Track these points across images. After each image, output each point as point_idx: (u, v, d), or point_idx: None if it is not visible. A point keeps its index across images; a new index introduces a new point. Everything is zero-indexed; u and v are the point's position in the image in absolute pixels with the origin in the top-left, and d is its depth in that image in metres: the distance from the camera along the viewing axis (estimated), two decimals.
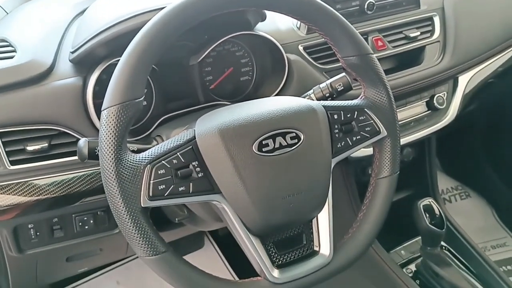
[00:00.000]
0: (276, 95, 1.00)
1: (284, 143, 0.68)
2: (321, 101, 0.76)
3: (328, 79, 0.96)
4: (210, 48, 0.97)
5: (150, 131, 0.91)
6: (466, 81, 1.23)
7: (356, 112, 0.77)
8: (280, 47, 0.99)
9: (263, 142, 0.67)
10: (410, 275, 1.23)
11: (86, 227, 0.96)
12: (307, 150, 0.70)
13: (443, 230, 1.04)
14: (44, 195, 0.85)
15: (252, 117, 0.68)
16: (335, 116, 0.75)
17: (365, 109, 0.78)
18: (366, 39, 1.10)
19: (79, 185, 0.86)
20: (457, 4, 1.22)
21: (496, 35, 1.28)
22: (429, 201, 1.07)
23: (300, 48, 1.03)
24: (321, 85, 0.88)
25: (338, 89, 0.87)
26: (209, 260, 1.65)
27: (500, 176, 1.87)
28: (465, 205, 1.91)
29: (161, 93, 0.98)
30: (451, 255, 1.27)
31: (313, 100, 0.88)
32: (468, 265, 1.26)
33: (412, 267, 1.25)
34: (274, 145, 0.67)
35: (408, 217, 1.12)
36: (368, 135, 0.77)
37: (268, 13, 1.06)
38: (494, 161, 1.88)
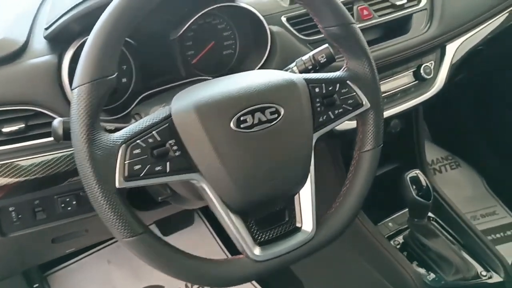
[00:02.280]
0: (259, 68, 0.98)
1: (263, 119, 0.66)
2: (303, 74, 0.74)
3: (312, 50, 0.94)
4: (190, 22, 0.94)
5: (129, 109, 0.89)
6: (454, 50, 1.20)
7: (338, 85, 0.75)
8: (262, 18, 0.96)
9: (241, 118, 0.65)
10: (398, 247, 1.24)
11: (69, 208, 0.94)
12: (288, 125, 0.68)
13: (430, 201, 1.04)
14: (23, 177, 0.83)
15: (229, 93, 0.66)
16: (317, 90, 0.73)
17: (348, 81, 0.76)
18: (351, 8, 1.07)
19: (58, 166, 0.84)
20: None
21: (484, 2, 1.25)
22: (415, 173, 1.06)
23: (283, 19, 1.00)
24: (304, 58, 0.86)
25: (321, 61, 0.85)
26: (200, 237, 1.65)
27: (490, 145, 1.87)
28: (455, 175, 1.92)
29: (141, 70, 0.95)
30: (438, 225, 1.27)
31: (295, 73, 0.86)
32: (456, 235, 1.26)
33: (400, 239, 1.25)
34: (253, 120, 0.66)
35: (396, 189, 1.12)
36: (351, 108, 0.76)
37: None
38: (484, 130, 1.87)
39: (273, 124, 0.67)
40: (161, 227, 1.55)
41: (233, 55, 1.04)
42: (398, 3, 1.11)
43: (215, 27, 1.01)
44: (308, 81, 0.73)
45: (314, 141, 0.73)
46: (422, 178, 1.06)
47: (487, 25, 1.30)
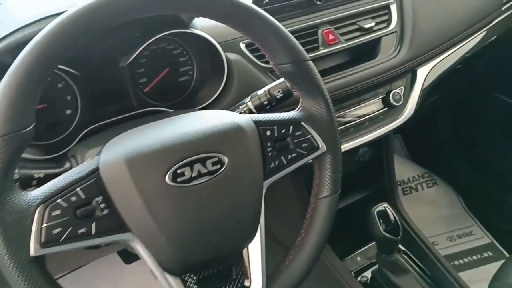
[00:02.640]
0: (215, 99, 0.91)
1: (203, 171, 0.60)
2: (253, 115, 0.68)
3: (273, 79, 0.88)
4: (142, 48, 0.87)
5: (68, 148, 0.81)
6: (425, 74, 1.15)
7: (291, 127, 0.69)
8: (218, 46, 0.89)
9: (178, 171, 0.58)
10: (367, 282, 1.18)
11: None
12: (233, 175, 0.62)
13: (399, 237, 0.98)
14: None
15: (164, 142, 0.59)
16: (268, 133, 0.67)
17: (302, 123, 0.69)
18: (316, 33, 1.01)
19: None
20: None
21: (458, 23, 1.20)
22: (384, 207, 1.00)
23: (242, 45, 0.94)
24: (259, 92, 0.80)
25: (277, 96, 0.79)
26: None
27: (468, 162, 1.83)
28: (431, 193, 1.87)
29: (88, 100, 0.88)
30: (409, 259, 1.22)
31: (250, 109, 0.80)
32: (426, 269, 1.21)
33: (368, 274, 1.20)
34: (192, 173, 0.59)
35: (366, 220, 1.06)
36: (305, 152, 0.69)
37: None
38: (462, 147, 1.84)
39: (215, 176, 0.60)
40: (122, 255, 1.47)
41: (190, 82, 0.98)
42: (366, 26, 1.05)
43: (169, 52, 0.95)
44: (258, 123, 0.66)
45: (264, 190, 0.66)
46: (390, 212, 1.00)
47: (463, 45, 1.25)
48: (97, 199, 0.56)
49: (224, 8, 0.62)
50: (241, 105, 0.81)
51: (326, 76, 1.01)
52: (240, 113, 0.80)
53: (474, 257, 1.66)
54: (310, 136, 0.70)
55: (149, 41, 0.87)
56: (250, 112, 0.80)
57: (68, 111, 0.87)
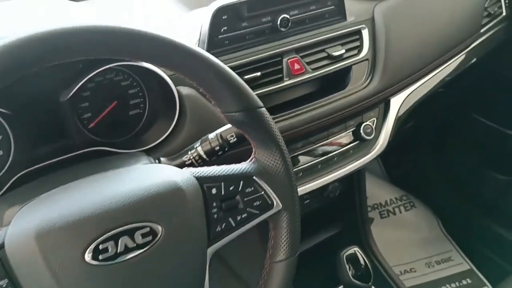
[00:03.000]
0: (165, 139, 0.82)
1: (131, 245, 0.51)
2: (195, 170, 0.59)
3: None
4: (84, 80, 0.78)
5: None
6: (399, 103, 1.07)
7: (241, 182, 0.60)
8: (168, 79, 0.80)
9: (100, 247, 0.50)
10: None
11: None
12: (169, 247, 0.53)
13: (370, 283, 0.91)
14: None
15: (82, 211, 0.50)
16: (213, 191, 0.59)
17: (254, 177, 0.61)
18: (280, 62, 0.92)
19: None
20: (389, 14, 1.05)
21: (434, 48, 1.13)
22: (354, 250, 0.93)
23: None
24: (210, 136, 0.72)
25: (231, 141, 0.70)
26: None
27: (447, 184, 1.77)
28: (409, 216, 1.81)
29: (23, 139, 0.78)
30: None
31: (200, 155, 0.71)
32: None
33: None
34: (117, 248, 0.50)
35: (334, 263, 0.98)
36: (257, 211, 0.61)
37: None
38: (441, 169, 1.78)
39: (146, 250, 0.52)
40: None
41: (141, 116, 0.88)
42: (335, 53, 0.97)
43: (117, 84, 0.86)
44: (201, 180, 0.58)
45: (209, 258, 0.58)
46: (360, 256, 0.92)
47: (442, 70, 1.18)
48: (1, 283, 0.47)
49: (154, 49, 0.54)
50: (190, 149, 0.72)
51: (291, 110, 0.93)
52: (189, 159, 0.72)
53: (453, 285, 1.60)
54: (263, 192, 0.61)
55: (93, 73, 0.78)
56: (200, 158, 0.72)
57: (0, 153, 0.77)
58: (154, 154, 0.81)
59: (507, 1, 1.32)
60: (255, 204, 0.61)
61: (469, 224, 1.70)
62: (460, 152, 1.70)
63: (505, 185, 1.57)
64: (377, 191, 1.84)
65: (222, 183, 0.59)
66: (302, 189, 0.96)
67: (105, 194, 0.53)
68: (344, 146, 1.01)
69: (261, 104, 0.61)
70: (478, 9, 1.24)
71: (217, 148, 0.70)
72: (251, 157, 0.63)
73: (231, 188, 0.59)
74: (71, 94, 0.78)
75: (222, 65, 0.58)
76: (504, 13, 1.33)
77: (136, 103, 0.88)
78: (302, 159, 0.96)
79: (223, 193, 0.59)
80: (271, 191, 0.62)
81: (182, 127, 0.82)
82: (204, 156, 0.71)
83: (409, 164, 1.85)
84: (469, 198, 1.70)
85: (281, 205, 0.62)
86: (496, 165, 1.60)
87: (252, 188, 0.61)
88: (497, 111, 1.54)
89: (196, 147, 0.72)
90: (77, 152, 0.81)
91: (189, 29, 0.89)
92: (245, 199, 0.60)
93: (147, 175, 0.57)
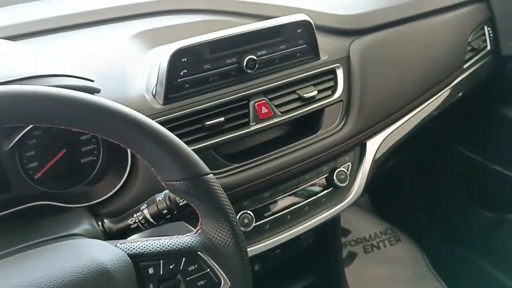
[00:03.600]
0: (115, 193, 0.76)
1: None
2: (130, 246, 0.53)
3: None
4: (28, 128, 0.72)
5: None
6: (376, 146, 1.01)
7: (184, 259, 0.54)
8: None
9: None
10: None
11: None
12: None
13: None
14: None
15: None
16: (150, 270, 0.52)
17: (199, 253, 0.55)
18: (247, 105, 0.86)
19: None
20: (366, 51, 1.00)
21: (414, 87, 1.07)
22: None
23: None
24: (158, 197, 0.65)
25: (180, 204, 0.64)
26: None
27: (433, 219, 1.71)
28: (394, 251, 1.74)
29: None
30: None
31: (147, 218, 0.65)
32: None
33: None
34: None
35: None
36: None
37: (118, 77, 0.83)
38: (426, 203, 1.72)
39: None
40: None
41: (95, 163, 0.82)
42: (307, 95, 0.91)
43: (67, 130, 0.78)
44: (136, 258, 0.51)
45: None
46: None
47: (424, 107, 1.13)
48: None
49: (78, 113, 0.48)
50: (136, 212, 0.66)
51: (258, 157, 0.86)
52: (135, 222, 0.65)
53: None
54: (208, 270, 0.55)
55: None
56: (147, 222, 0.65)
57: None
58: (101, 209, 0.75)
59: (491, 35, 1.27)
60: (199, 284, 0.54)
61: (456, 260, 1.64)
62: (445, 186, 1.64)
63: (492, 222, 1.51)
64: (361, 224, 1.78)
65: (161, 261, 0.52)
66: (269, 243, 0.89)
67: (24, 279, 0.46)
68: (316, 194, 0.94)
69: (207, 170, 0.55)
70: (460, 45, 1.19)
71: (165, 211, 0.64)
72: (197, 228, 0.57)
73: (171, 267, 0.53)
74: (13, 143, 0.72)
75: (160, 128, 0.52)
76: (488, 47, 1.29)
77: (89, 149, 0.81)
78: (270, 210, 0.89)
79: (161, 272, 0.52)
80: (218, 268, 0.55)
81: (133, 182, 0.75)
82: (151, 220, 0.65)
83: (394, 197, 1.79)
84: (456, 234, 1.64)
85: (229, 283, 0.56)
86: (482, 200, 1.54)
87: (196, 266, 0.54)
88: (483, 145, 1.49)
89: (142, 209, 0.65)
90: (18, 208, 0.74)
91: (147, 70, 0.83)
92: (187, 279, 0.54)
93: (73, 256, 0.50)
